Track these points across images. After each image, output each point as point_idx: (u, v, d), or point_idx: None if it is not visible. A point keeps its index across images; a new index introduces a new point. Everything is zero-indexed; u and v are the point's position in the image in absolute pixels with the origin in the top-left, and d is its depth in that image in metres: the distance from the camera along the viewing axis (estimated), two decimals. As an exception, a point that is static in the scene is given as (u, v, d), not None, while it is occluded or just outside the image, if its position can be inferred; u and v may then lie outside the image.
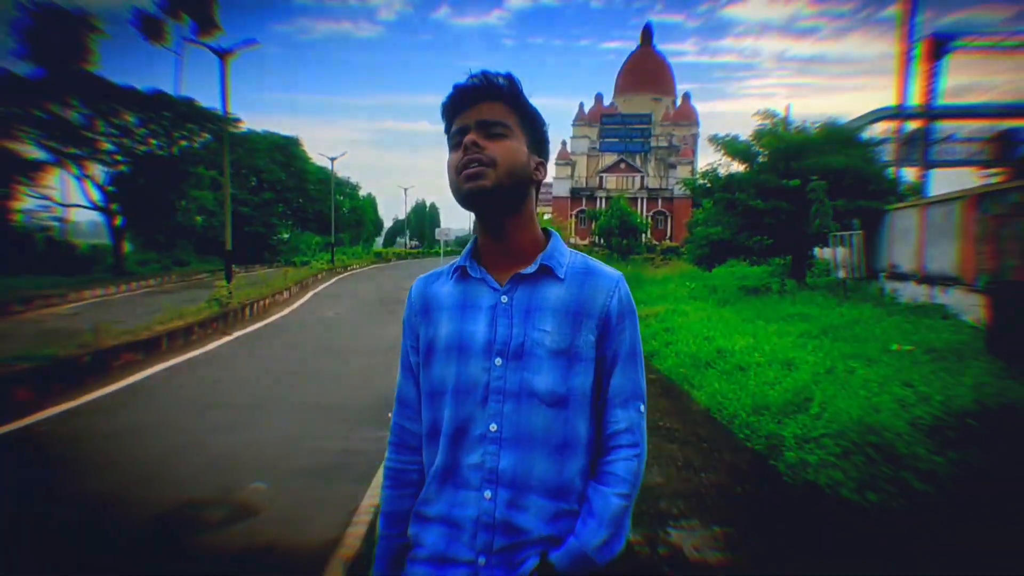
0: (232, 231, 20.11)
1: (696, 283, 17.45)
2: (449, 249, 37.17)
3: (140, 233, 33.15)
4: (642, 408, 1.31)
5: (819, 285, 15.06)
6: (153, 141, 27.86)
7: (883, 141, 19.74)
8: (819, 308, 10.92)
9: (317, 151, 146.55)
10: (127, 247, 30.02)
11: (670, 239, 56.63)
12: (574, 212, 62.28)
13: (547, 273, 1.28)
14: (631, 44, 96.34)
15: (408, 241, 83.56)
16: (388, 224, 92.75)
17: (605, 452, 1.28)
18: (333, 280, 27.96)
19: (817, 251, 17.30)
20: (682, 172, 56.53)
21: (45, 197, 25.70)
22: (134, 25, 29.74)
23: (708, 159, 57.91)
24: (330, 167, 45.74)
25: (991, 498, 3.36)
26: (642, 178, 62.37)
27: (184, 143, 28.97)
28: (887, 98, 22.90)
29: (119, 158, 27.34)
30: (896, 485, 3.54)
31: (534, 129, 1.31)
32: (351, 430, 5.87)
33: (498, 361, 1.24)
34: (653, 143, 62.71)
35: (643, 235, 45.84)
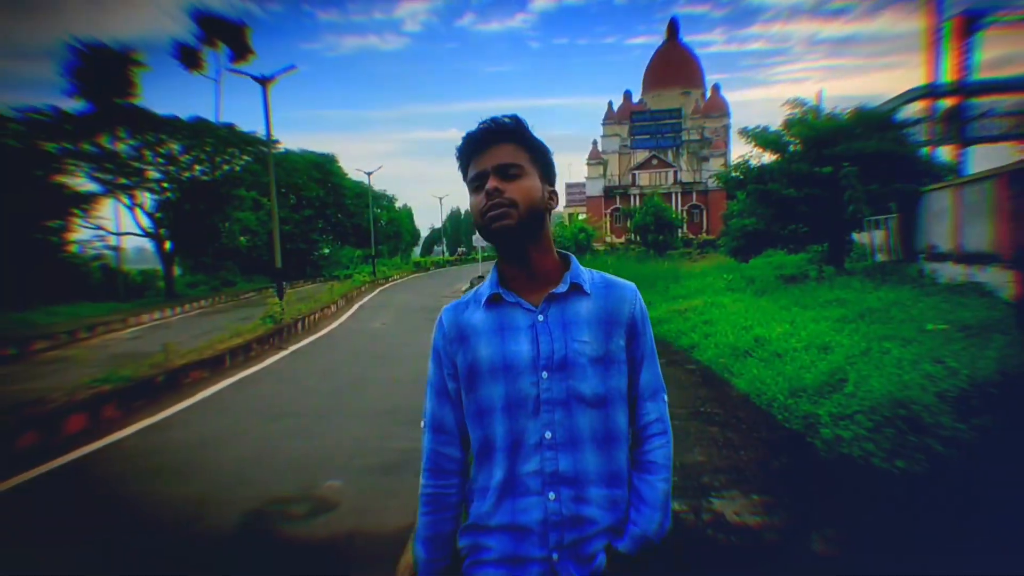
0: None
1: (733, 275, 17.44)
2: (487, 254, 37.53)
3: (188, 256, 34.47)
4: (665, 398, 1.49)
5: (857, 270, 15.01)
6: (197, 167, 29.07)
7: (917, 121, 19.47)
8: (857, 292, 10.92)
9: (352, 166, 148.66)
10: (176, 271, 31.22)
11: (707, 232, 56.22)
12: (608, 211, 62.17)
13: (576, 290, 1.41)
14: (657, 39, 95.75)
15: (445, 249, 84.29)
16: (424, 233, 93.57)
17: (641, 442, 1.44)
18: (376, 292, 28.70)
19: (856, 236, 17.19)
20: (715, 164, 56.07)
21: (98, 227, 26.95)
22: (174, 56, 31.13)
23: (741, 150, 57.48)
24: (367, 181, 46.65)
25: (1008, 457, 3.60)
26: (675, 173, 61.96)
27: (226, 167, 30.09)
28: (921, 76, 22.42)
29: (166, 185, 28.53)
30: (921, 451, 3.81)
31: (544, 162, 1.43)
32: (410, 430, 6.25)
33: (544, 375, 1.35)
34: (684, 137, 62.25)
35: (679, 230, 45.73)
